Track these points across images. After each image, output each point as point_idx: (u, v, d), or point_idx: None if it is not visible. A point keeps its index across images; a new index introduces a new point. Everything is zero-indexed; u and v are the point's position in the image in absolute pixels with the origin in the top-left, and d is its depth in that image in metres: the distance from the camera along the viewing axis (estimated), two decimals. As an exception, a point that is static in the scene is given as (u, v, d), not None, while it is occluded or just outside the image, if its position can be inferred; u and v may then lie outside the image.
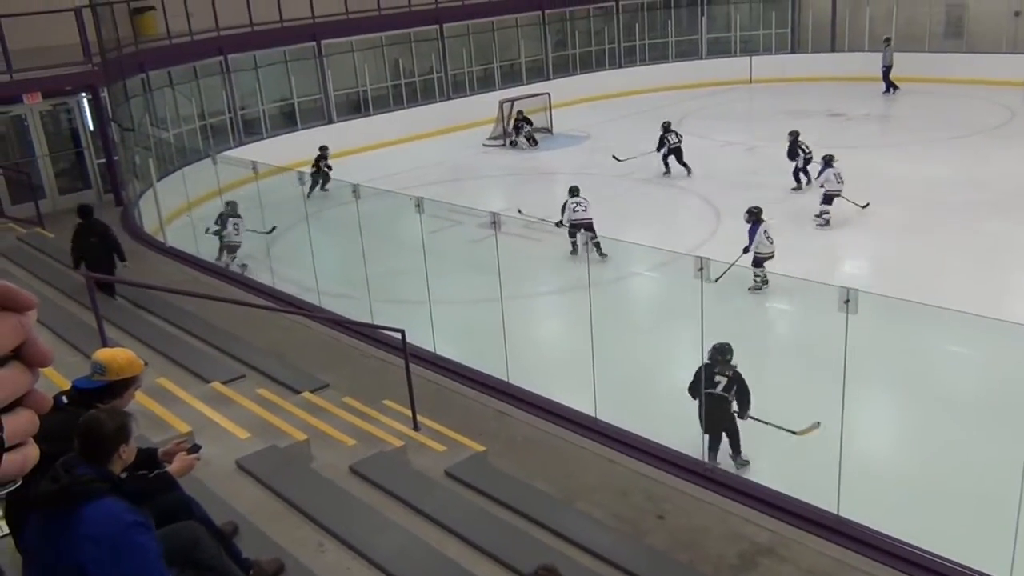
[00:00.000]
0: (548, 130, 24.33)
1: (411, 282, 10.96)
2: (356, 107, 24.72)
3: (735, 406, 8.19)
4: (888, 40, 27.14)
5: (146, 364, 4.74)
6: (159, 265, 13.48)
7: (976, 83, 25.63)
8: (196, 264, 13.46)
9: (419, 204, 9.80)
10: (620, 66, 30.05)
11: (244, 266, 14.01)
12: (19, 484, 0.94)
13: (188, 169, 16.67)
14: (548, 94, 25.06)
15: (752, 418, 8.22)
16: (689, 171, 18.69)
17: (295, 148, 21.49)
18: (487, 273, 9.61)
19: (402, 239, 12.45)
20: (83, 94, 16.58)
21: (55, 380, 6.43)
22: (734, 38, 30.70)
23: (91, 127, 16.86)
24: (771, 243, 12.49)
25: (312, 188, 17.01)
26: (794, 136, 17.70)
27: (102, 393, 4.33)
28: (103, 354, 4.49)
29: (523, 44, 28.03)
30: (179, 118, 20.44)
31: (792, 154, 17.59)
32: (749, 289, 12.11)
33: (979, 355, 10.07)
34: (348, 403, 8.11)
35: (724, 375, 8.19)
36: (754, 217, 12.64)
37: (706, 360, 8.17)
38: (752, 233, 12.49)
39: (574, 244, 13.72)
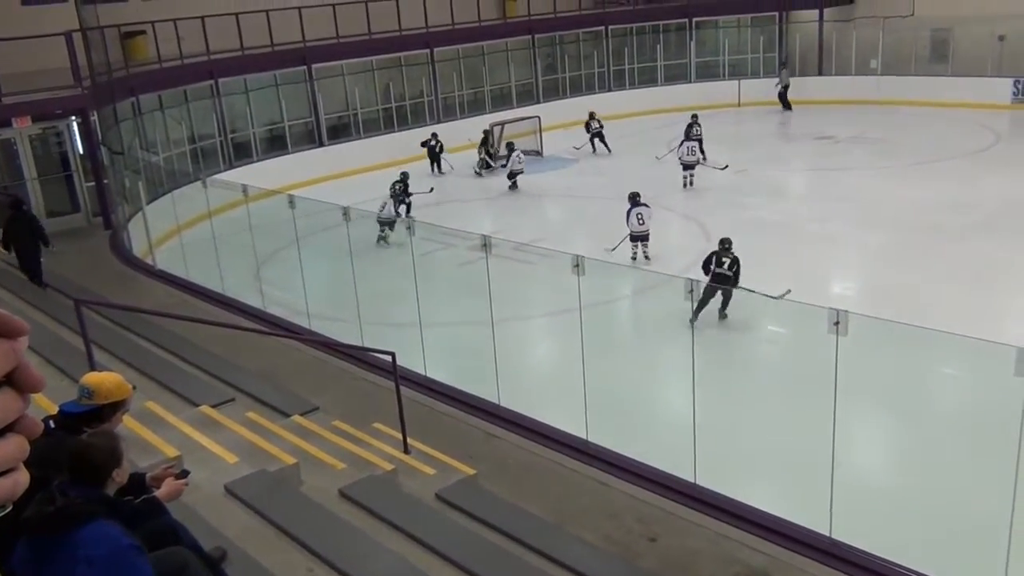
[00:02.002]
0: (538, 153, 24.43)
1: (401, 305, 10.94)
2: (347, 130, 24.78)
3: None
4: (784, 63, 28.61)
5: (134, 388, 4.70)
6: (148, 288, 13.44)
7: (961, 106, 25.88)
8: (185, 287, 13.41)
9: (410, 226, 9.82)
10: (609, 89, 30.24)
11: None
12: (9, 509, 0.94)
13: (178, 192, 16.64)
14: (538, 117, 25.18)
15: (743, 288, 11.52)
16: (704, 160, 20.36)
17: (285, 171, 21.52)
18: (478, 296, 9.61)
19: (392, 262, 12.44)
20: (73, 118, 16.59)
21: (42, 404, 6.37)
22: (723, 62, 30.94)
23: (80, 150, 16.85)
24: (640, 223, 14.86)
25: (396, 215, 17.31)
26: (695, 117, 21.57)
27: (90, 417, 4.30)
28: (91, 378, 4.46)
29: (513, 68, 28.19)
30: (169, 141, 20.44)
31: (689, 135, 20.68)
32: (632, 258, 14.72)
33: (969, 376, 10.10)
34: (338, 426, 8.07)
35: (728, 258, 11.97)
36: (630, 200, 15.11)
37: (715, 249, 12.10)
38: (627, 214, 14.98)
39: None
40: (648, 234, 15.03)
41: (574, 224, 18.74)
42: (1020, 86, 26.03)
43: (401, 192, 18.29)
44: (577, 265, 8.18)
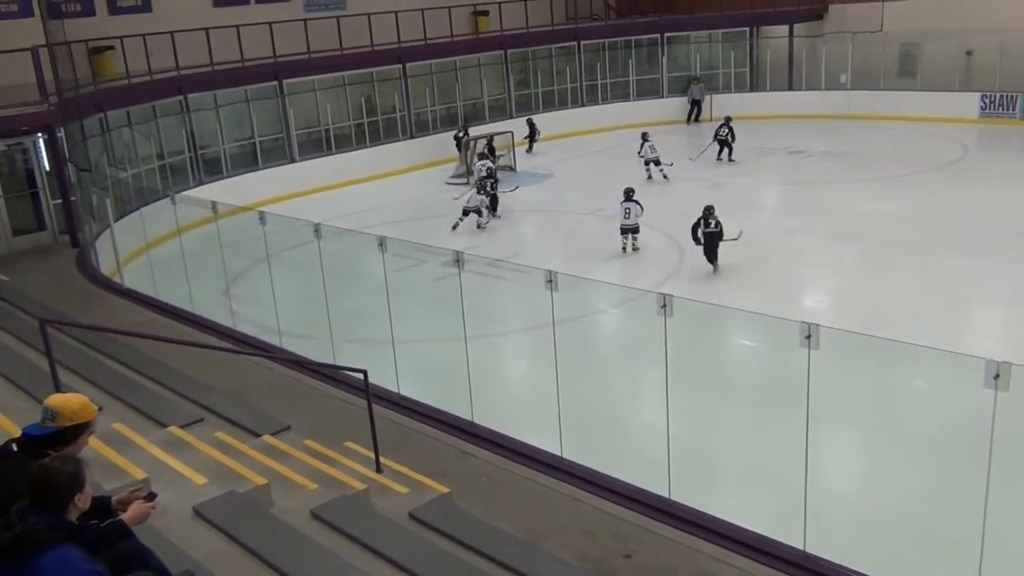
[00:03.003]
0: (511, 168, 24.50)
1: (374, 322, 10.90)
2: (319, 146, 24.73)
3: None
4: (698, 78, 29.90)
5: (100, 409, 4.66)
6: (116, 307, 13.29)
7: (930, 120, 26.31)
8: (154, 306, 13.28)
9: (382, 243, 9.79)
10: (582, 104, 30.43)
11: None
12: None
13: (146, 209, 16.51)
14: (511, 132, 25.29)
15: (726, 239, 15.25)
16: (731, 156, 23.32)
17: (256, 187, 21.45)
18: (451, 312, 9.59)
19: (365, 279, 12.39)
20: (39, 134, 16.41)
21: (5, 426, 6.28)
22: (694, 77, 31.26)
23: (47, 167, 16.67)
24: (626, 217, 16.48)
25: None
26: (727, 119, 23.79)
27: (54, 440, 4.23)
28: (55, 399, 4.40)
29: (486, 83, 28.29)
30: (137, 158, 20.29)
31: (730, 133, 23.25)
32: (622, 250, 16.44)
33: (939, 389, 10.21)
34: (309, 446, 8.00)
35: (713, 219, 15.30)
36: (624, 195, 16.73)
37: (702, 214, 15.32)
38: (621, 207, 16.60)
39: (624, 244, 16.56)
40: (636, 227, 16.52)
41: (548, 239, 18.80)
42: (987, 100, 26.49)
43: (489, 186, 19.12)
44: (550, 281, 8.18)
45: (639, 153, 22.46)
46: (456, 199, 19.65)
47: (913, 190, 19.88)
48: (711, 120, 28.30)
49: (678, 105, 30.38)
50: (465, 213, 18.73)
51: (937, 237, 16.10)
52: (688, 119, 30.07)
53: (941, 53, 27.28)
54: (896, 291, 13.77)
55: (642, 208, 16.67)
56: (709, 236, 15.36)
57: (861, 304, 13.21)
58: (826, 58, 29.11)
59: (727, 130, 23.78)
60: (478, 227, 18.61)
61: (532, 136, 27.02)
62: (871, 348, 8.79)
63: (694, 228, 15.45)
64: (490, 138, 24.23)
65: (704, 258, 15.39)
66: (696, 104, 30.10)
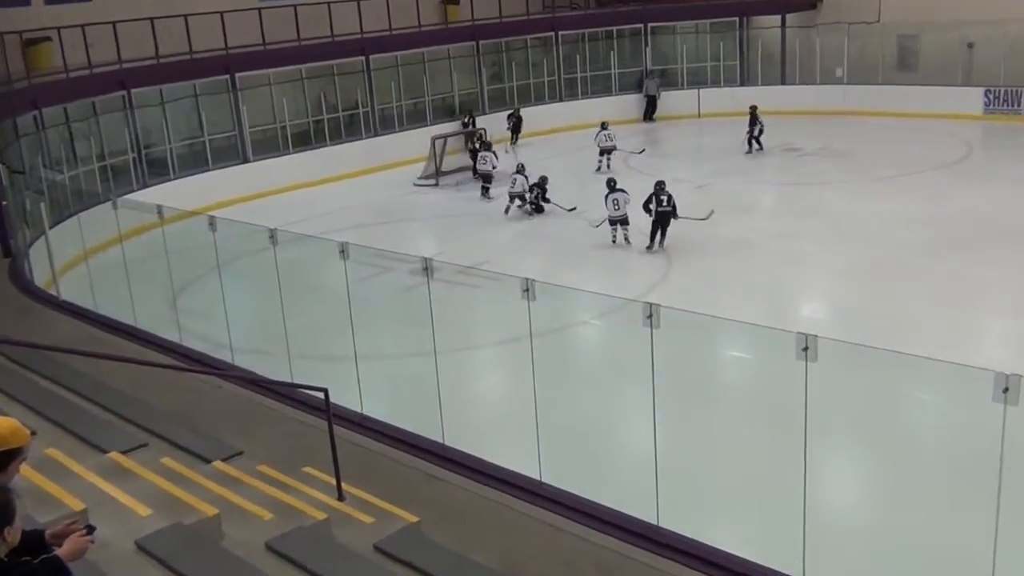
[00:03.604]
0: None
1: (335, 336, 10.84)
2: (274, 144, 24.62)
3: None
4: (652, 72, 30.41)
5: (33, 433, 4.58)
6: (51, 322, 13.15)
7: (931, 117, 26.60)
8: (93, 320, 13.14)
9: (343, 249, 9.74)
10: (560, 100, 30.54)
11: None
12: None
13: (85, 215, 16.35)
14: (484, 129, 25.28)
15: (681, 217, 16.85)
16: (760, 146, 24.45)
17: (206, 190, 21.30)
18: (419, 324, 9.56)
19: (325, 289, 12.34)
20: (-34, 133, 16.23)
21: (-73, 454, 6.17)
22: (681, 70, 31.46)
23: (-25, 169, 16.46)
24: (616, 209, 17.16)
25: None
26: (753, 108, 24.43)
27: (-20, 468, 4.15)
28: (-19, 424, 4.31)
29: (456, 77, 28.32)
30: (76, 159, 20.10)
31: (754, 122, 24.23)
32: (612, 241, 17.29)
33: (945, 402, 10.30)
34: (264, 472, 7.94)
35: (665, 195, 16.68)
36: (608, 186, 17.56)
37: (653, 190, 16.73)
38: (604, 199, 17.31)
39: (614, 236, 17.30)
40: (626, 218, 17.13)
41: (524, 244, 18.82)
42: (992, 96, 26.84)
43: (536, 195, 19.95)
44: (527, 289, 8.17)
45: (595, 140, 23.76)
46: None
47: (914, 190, 20.10)
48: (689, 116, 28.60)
49: (664, 99, 30.53)
50: (511, 199, 20.18)
51: (940, 240, 16.27)
52: (644, 117, 30.27)
53: (942, 45, 27.63)
54: (898, 298, 13.89)
55: (629, 195, 17.24)
56: (661, 214, 16.70)
57: (861, 313, 13.31)
58: (821, 50, 29.40)
59: (757, 121, 24.44)
60: (522, 210, 20.19)
61: (517, 129, 27.51)
62: (872, 360, 8.83)
63: (646, 204, 16.79)
64: (481, 132, 24.27)
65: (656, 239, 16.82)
66: (651, 100, 30.37)
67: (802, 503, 6.88)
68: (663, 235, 16.86)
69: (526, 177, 20.24)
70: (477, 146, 24.19)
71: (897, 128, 26.26)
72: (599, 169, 23.03)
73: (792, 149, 24.88)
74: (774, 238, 17.27)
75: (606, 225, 17.40)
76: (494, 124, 26.96)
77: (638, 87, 30.91)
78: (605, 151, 23.61)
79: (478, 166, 22.62)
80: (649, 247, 16.78)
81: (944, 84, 27.33)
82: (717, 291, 14.52)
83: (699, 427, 10.07)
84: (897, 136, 25.55)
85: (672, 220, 16.81)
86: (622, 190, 17.38)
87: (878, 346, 7.48)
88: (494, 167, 22.18)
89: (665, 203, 16.70)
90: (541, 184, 19.99)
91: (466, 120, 26.99)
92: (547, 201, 19.86)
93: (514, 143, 27.23)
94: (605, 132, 23.85)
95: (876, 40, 28.71)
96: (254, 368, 11.26)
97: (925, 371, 8.92)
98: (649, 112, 30.33)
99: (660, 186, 16.89)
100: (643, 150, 24.39)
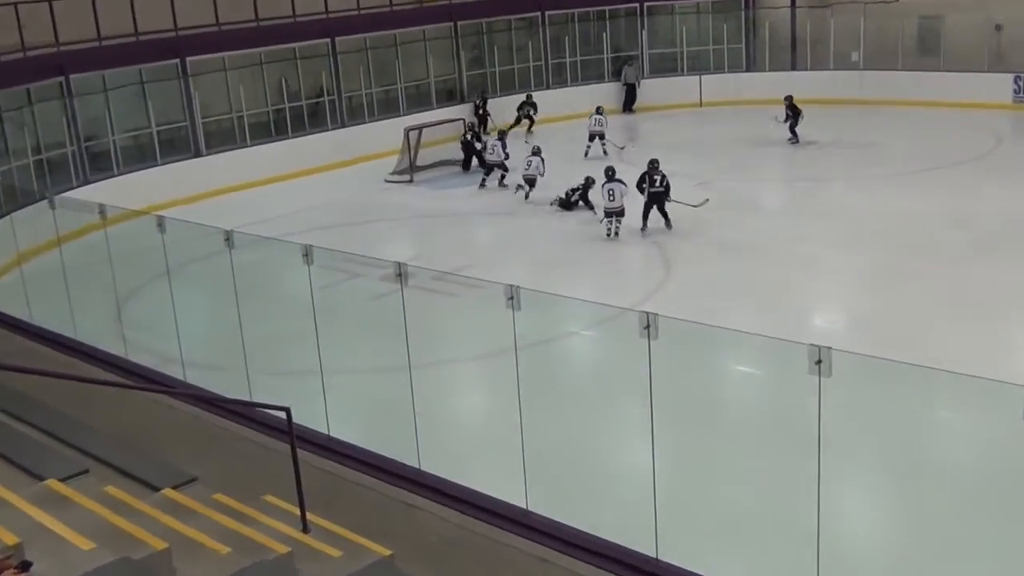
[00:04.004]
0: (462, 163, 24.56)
1: (298, 349, 10.81)
2: (230, 136, 24.56)
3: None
4: (631, 59, 30.73)
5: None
6: (-20, 334, 13.05)
7: (956, 106, 26.79)
8: (27, 332, 13.07)
9: (307, 253, 9.73)
10: (547, 87, 30.59)
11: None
12: None
13: (19, 214, 16.32)
14: (463, 120, 25.31)
15: (674, 200, 17.89)
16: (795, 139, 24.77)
17: (154, 187, 21.23)
18: (392, 336, 9.55)
19: (287, 296, 12.30)
20: None
21: None
22: (680, 54, 31.60)
23: None
24: (611, 199, 17.70)
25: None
26: (789, 98, 24.84)
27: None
28: (-96, 449, 4.30)
29: (432, 61, 28.34)
30: (8, 152, 19.98)
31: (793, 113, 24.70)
32: (606, 235, 17.83)
33: (974, 422, 10.36)
34: (220, 501, 7.91)
35: (659, 175, 17.82)
36: (605, 175, 18.08)
37: (646, 169, 17.93)
38: (601, 188, 17.98)
39: (608, 229, 17.85)
40: (622, 210, 17.73)
41: (508, 247, 18.86)
42: (1022, 83, 27.04)
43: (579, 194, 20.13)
44: (512, 297, 8.18)
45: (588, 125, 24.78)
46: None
47: (938, 188, 20.23)
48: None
49: (662, 86, 30.66)
50: (527, 182, 20.97)
51: (967, 242, 16.39)
52: (624, 107, 30.44)
53: (967, 27, 27.83)
54: (920, 307, 13.97)
55: (626, 186, 17.82)
56: (654, 195, 17.85)
57: (880, 323, 13.39)
58: (834, 33, 29.58)
59: (791, 110, 24.78)
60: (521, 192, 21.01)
61: (530, 117, 28.00)
62: (892, 375, 8.89)
63: (639, 183, 17.98)
64: (471, 124, 24.33)
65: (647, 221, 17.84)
66: (631, 89, 30.56)
67: (816, 533, 6.91)
68: (665, 217, 17.91)
69: (542, 160, 21.09)
70: (468, 137, 24.21)
71: (918, 118, 26.44)
72: (587, 155, 23.67)
73: (804, 143, 24.99)
74: (784, 240, 17.36)
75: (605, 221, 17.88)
76: (470, 114, 27.07)
77: (616, 75, 31.06)
78: (594, 135, 24.53)
79: (487, 157, 22.77)
80: (643, 229, 17.86)
81: (970, 70, 27.55)
82: (721, 299, 14.57)
83: (702, 449, 10.09)
84: (918, 127, 25.73)
85: (666, 201, 17.90)
86: (619, 180, 17.79)
87: (899, 359, 7.53)
88: (507, 156, 22.40)
89: (658, 183, 17.78)
90: (587, 185, 19.98)
91: (478, 103, 27.64)
92: (588, 204, 19.77)
93: (529, 132, 27.47)
94: (598, 116, 24.82)
95: (895, 21, 28.91)
96: (208, 385, 11.22)
97: (951, 387, 8.99)
98: (629, 102, 30.47)
99: (653, 165, 18.00)
100: (624, 147, 24.96)
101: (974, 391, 8.36)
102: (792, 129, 24.81)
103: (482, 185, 22.38)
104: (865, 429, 9.94)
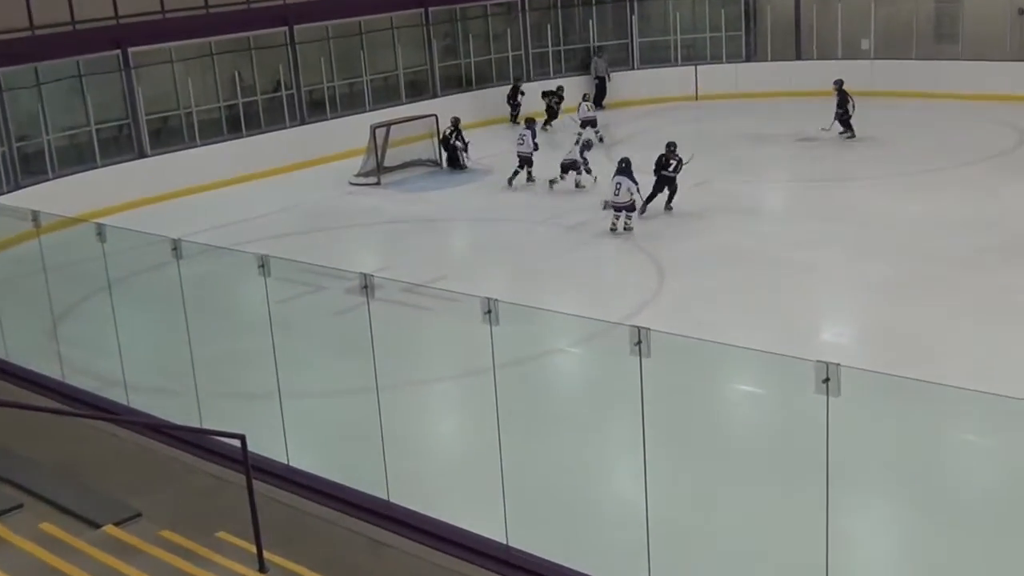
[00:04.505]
0: (436, 163, 24.57)
1: (254, 370, 10.78)
2: (178, 135, 24.50)
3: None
4: (600, 50, 31.08)
5: None
6: (-101, 356, 12.97)
7: (976, 98, 26.99)
8: (-47, 353, 13.00)
9: (264, 264, 9.72)
10: (528, 79, 30.63)
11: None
12: None
13: (-58, 222, 16.15)
14: (435, 116, 25.32)
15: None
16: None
17: (93, 191, 21.15)
18: (358, 355, 9.55)
19: (242, 311, 12.29)
20: None
21: None
22: (674, 43, 31.73)
23: None
24: (616, 193, 18.30)
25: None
26: (839, 83, 24.79)
27: None
28: None
29: (401, 51, 28.37)
30: (-71, 153, 19.88)
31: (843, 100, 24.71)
32: (611, 229, 18.53)
33: (997, 445, 10.41)
34: (168, 538, 7.89)
35: (675, 159, 19.28)
36: (616, 167, 18.73)
37: (662, 152, 19.47)
38: (612, 181, 18.59)
39: (613, 224, 18.55)
40: (630, 204, 18.43)
41: (485, 256, 18.86)
42: (1048, 73, 27.24)
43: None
44: (489, 311, 8.19)
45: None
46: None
47: (957, 188, 20.36)
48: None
49: (654, 78, 30.76)
50: (564, 169, 21.60)
51: (989, 248, 16.47)
52: (595, 102, 30.04)
53: (988, 12, 28.02)
54: (938, 319, 14.03)
55: (636, 184, 18.46)
56: (664, 179, 19.45)
57: (894, 337, 13.45)
58: (843, 18, 29.73)
59: (843, 99, 24.74)
60: (577, 186, 21.68)
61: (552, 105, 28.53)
62: (908, 394, 8.95)
63: (656, 164, 19.43)
64: (454, 121, 24.32)
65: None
66: (601, 83, 30.62)
67: (824, 569, 6.95)
68: (670, 199, 19.48)
69: (533, 133, 22.36)
70: (450, 135, 24.16)
71: (935, 112, 26.60)
72: (577, 142, 23.73)
73: (809, 139, 25.13)
74: (788, 246, 17.42)
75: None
76: (450, 109, 27.01)
77: (585, 67, 31.17)
78: (586, 123, 25.25)
79: (518, 149, 22.74)
80: (641, 212, 19.05)
81: (991, 59, 27.74)
82: (719, 311, 14.63)
83: (699, 477, 10.11)
84: (935, 122, 25.89)
85: (675, 185, 19.48)
86: (628, 175, 18.41)
87: (915, 377, 7.59)
88: (535, 147, 22.56)
89: (672, 168, 19.28)
90: (585, 145, 21.55)
91: (515, 88, 28.75)
92: (585, 161, 21.34)
93: (548, 125, 27.71)
94: (586, 104, 26.21)
95: (909, 5, 29.12)
96: (154, 411, 11.18)
97: (974, 407, 9.05)
98: (599, 97, 30.43)
99: (670, 148, 19.51)
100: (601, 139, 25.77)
101: (999, 411, 8.41)
102: (845, 121, 24.72)
103: (510, 183, 22.44)
104: (878, 454, 9.98)
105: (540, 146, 22.82)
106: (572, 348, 13.58)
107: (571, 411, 12.38)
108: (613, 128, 27.39)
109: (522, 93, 28.89)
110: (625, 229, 18.39)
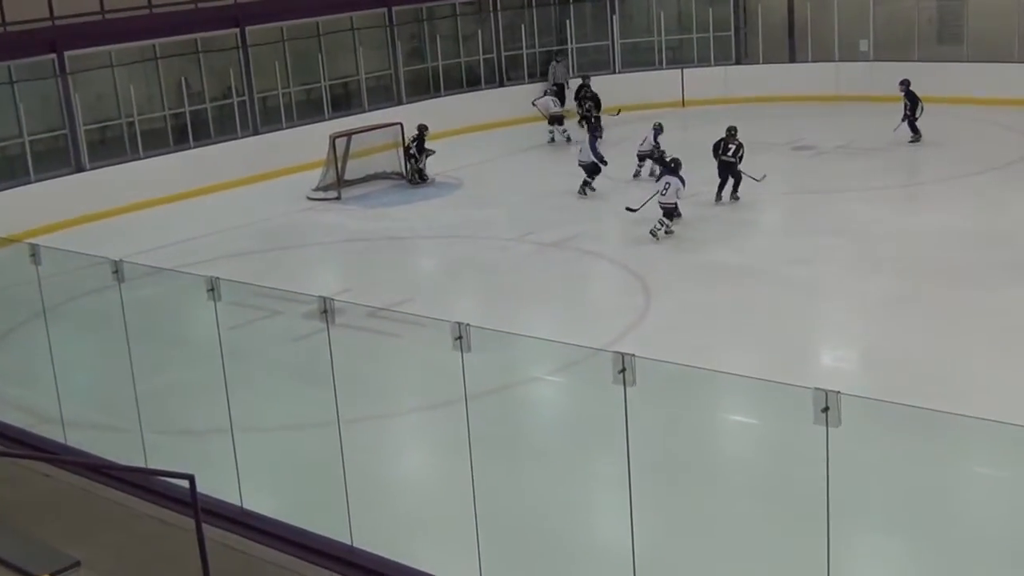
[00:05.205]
0: (401, 175, 24.55)
1: (204, 403, 10.74)
2: (119, 147, 24.40)
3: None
4: (559, 54, 31.27)
5: None
6: None
7: (983, 103, 27.20)
8: None
9: (213, 287, 9.69)
10: (501, 84, 30.75)
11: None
12: None
13: None
14: (400, 124, 25.33)
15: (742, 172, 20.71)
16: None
17: (26, 209, 21.03)
18: (317, 386, 9.52)
19: (190, 340, 12.23)
20: None
21: None
22: (659, 44, 31.87)
23: None
24: (663, 194, 18.78)
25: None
26: (906, 84, 24.97)
27: None
28: None
29: (363, 54, 28.39)
30: None
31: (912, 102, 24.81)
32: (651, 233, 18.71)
33: (1013, 478, 10.46)
34: (110, 590, 7.83)
35: (734, 144, 20.58)
36: (665, 167, 19.65)
37: (722, 136, 20.73)
38: (660, 182, 19.32)
39: (655, 230, 18.81)
40: (674, 208, 18.90)
41: (456, 277, 18.85)
42: (1059, 75, 27.49)
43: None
44: (460, 337, 8.17)
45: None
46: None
47: (963, 200, 20.49)
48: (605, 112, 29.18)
49: (637, 82, 30.87)
50: (640, 159, 22.96)
51: (1002, 265, 16.54)
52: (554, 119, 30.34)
53: (994, 11, 28.28)
54: (947, 342, 14.08)
55: (684, 184, 18.89)
56: (725, 164, 20.71)
57: (899, 361, 13.48)
58: (839, 18, 29.95)
59: (910, 99, 24.85)
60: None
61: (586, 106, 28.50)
62: (915, 424, 8.98)
63: (714, 151, 20.84)
64: (420, 128, 24.27)
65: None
66: (560, 90, 30.34)
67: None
68: (735, 187, 20.74)
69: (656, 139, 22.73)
70: (411, 143, 24.13)
71: (939, 118, 26.74)
72: (552, 140, 25.15)
73: (805, 147, 25.29)
74: (784, 263, 17.49)
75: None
76: (417, 117, 27.05)
77: (544, 73, 31.15)
78: (554, 119, 26.96)
79: (580, 158, 22.57)
80: (717, 199, 20.75)
81: (998, 60, 28.02)
82: (711, 334, 14.66)
83: (689, 516, 10.10)
84: (941, 129, 26.04)
85: (738, 172, 20.74)
86: (676, 174, 18.92)
87: (922, 405, 7.62)
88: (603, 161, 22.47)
89: (731, 153, 20.56)
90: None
91: (580, 89, 28.83)
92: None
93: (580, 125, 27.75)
94: (551, 98, 27.45)
95: (910, 4, 29.35)
96: (94, 449, 11.11)
97: (988, 438, 9.08)
98: (562, 103, 29.84)
99: (730, 132, 20.83)
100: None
101: (1015, 441, 8.45)
102: (913, 125, 24.82)
103: (583, 192, 22.28)
104: (883, 489, 10.00)
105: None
106: (550, 376, 13.57)
107: (550, 445, 12.36)
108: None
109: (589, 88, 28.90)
110: (667, 233, 18.69)
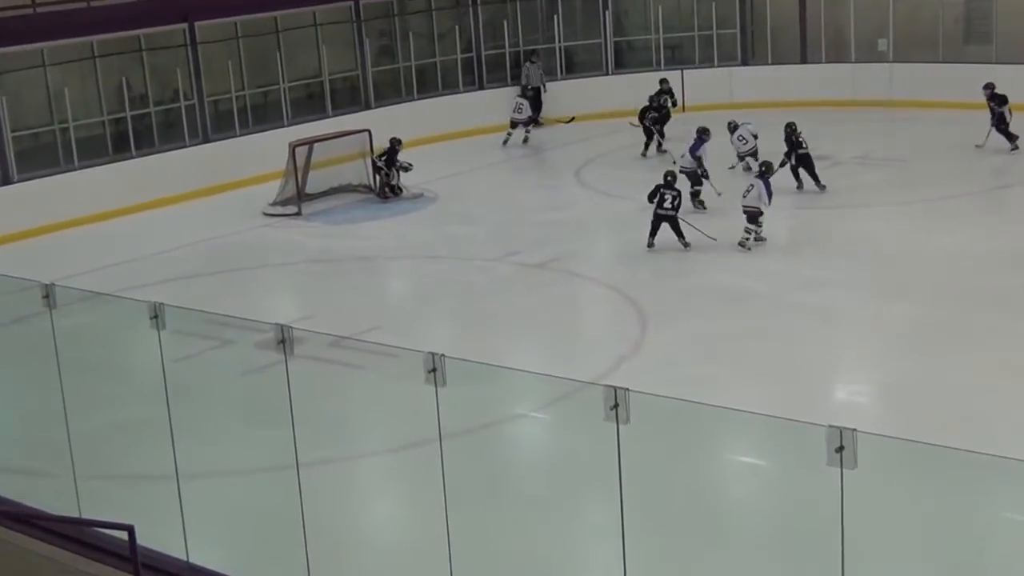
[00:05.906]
0: (369, 188, 24.53)
1: (145, 445, 10.70)
2: (51, 157, 24.34)
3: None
4: (533, 54, 31.09)
5: None
6: None
7: (1013, 109, 27.29)
8: None
9: (157, 314, 9.67)
10: (480, 87, 30.81)
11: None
12: None
13: None
14: (368, 131, 25.34)
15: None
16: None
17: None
18: (273, 424, 9.50)
19: (130, 373, 12.19)
20: None
21: None
22: (656, 43, 32.01)
23: None
24: (745, 196, 19.31)
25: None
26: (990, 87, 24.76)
27: None
28: None
29: (326, 53, 28.42)
30: None
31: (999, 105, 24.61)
32: (739, 244, 19.29)
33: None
34: (39, 654, 7.78)
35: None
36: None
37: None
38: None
39: (744, 240, 19.35)
40: (758, 212, 19.26)
41: (429, 302, 18.84)
42: (1096, 79, 27.66)
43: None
44: (434, 369, 8.16)
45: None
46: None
47: (993, 216, 20.60)
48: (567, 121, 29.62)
49: (632, 85, 30.90)
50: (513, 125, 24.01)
51: (1030, 287, 16.66)
52: (529, 121, 29.96)
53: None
54: (975, 374, 14.10)
55: (769, 192, 19.20)
56: (801, 158, 22.43)
57: (921, 396, 13.51)
58: (856, 15, 30.10)
59: (997, 100, 24.79)
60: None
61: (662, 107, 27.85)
62: (938, 464, 9.01)
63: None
64: (393, 142, 24.22)
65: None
66: (536, 94, 30.43)
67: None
68: (815, 180, 22.49)
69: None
70: (381, 164, 24.04)
71: (964, 125, 26.88)
72: (526, 140, 26.07)
73: (818, 157, 25.30)
74: (795, 286, 17.54)
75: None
76: (386, 123, 27.10)
77: (517, 76, 31.18)
78: (516, 123, 27.94)
79: (681, 165, 22.22)
80: (799, 187, 22.69)
81: (1029, 62, 28.19)
82: (713, 365, 14.68)
83: (689, 566, 10.11)
84: (965, 138, 26.17)
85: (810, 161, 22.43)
86: (764, 178, 19.48)
87: (946, 444, 7.65)
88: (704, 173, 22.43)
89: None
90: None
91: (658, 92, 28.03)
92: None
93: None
94: (519, 101, 28.67)
95: (934, 1, 29.49)
96: (22, 498, 11.03)
97: (1015, 477, 9.11)
98: (535, 110, 29.92)
99: (792, 128, 22.57)
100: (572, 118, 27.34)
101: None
102: (1007, 131, 24.63)
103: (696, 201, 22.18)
104: (903, 536, 10.02)
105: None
106: (535, 413, 13.58)
107: (535, 491, 12.35)
108: (576, 146, 27.53)
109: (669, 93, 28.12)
110: (757, 240, 19.28)
